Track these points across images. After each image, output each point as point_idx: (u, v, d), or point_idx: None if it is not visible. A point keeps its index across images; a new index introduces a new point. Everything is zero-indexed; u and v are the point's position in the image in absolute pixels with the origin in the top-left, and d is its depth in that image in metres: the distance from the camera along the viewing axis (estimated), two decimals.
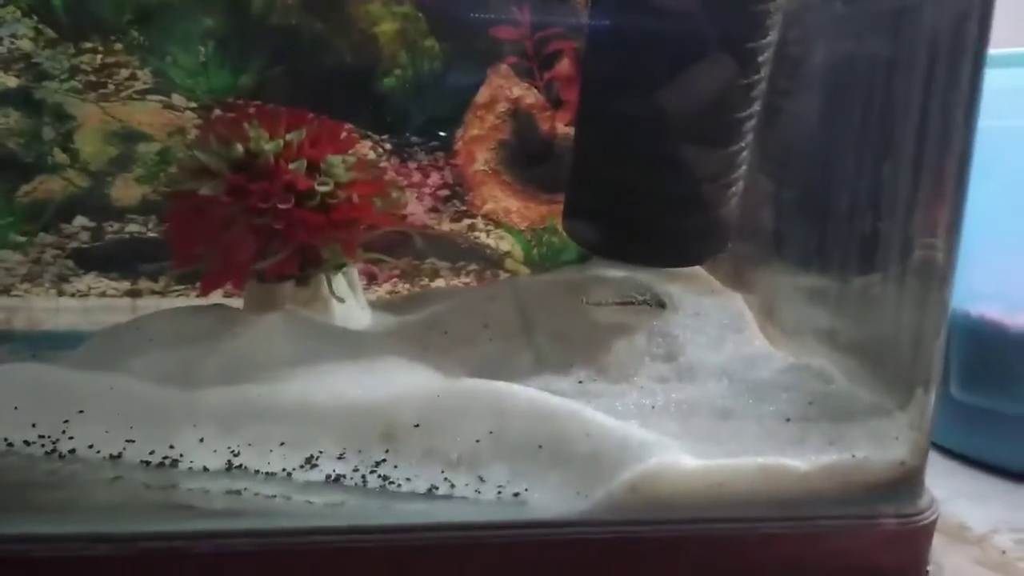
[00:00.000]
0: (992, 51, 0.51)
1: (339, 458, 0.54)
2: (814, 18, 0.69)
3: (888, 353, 0.56)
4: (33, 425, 0.54)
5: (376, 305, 0.81)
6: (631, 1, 0.73)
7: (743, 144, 0.73)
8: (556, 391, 0.62)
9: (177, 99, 0.80)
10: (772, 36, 0.69)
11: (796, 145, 0.72)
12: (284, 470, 0.53)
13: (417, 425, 0.55)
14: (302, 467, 0.53)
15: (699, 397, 0.61)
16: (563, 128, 0.86)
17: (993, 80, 0.51)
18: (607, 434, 0.52)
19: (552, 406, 0.54)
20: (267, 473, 0.53)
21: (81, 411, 0.55)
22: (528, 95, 0.85)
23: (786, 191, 0.73)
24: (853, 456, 0.51)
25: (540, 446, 0.52)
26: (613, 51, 0.75)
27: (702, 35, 0.71)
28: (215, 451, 0.54)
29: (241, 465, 0.54)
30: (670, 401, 0.61)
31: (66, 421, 0.54)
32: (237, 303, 0.72)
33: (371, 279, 0.85)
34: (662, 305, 0.69)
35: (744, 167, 0.75)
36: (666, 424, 0.57)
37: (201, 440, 0.55)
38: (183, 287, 0.81)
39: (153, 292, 0.82)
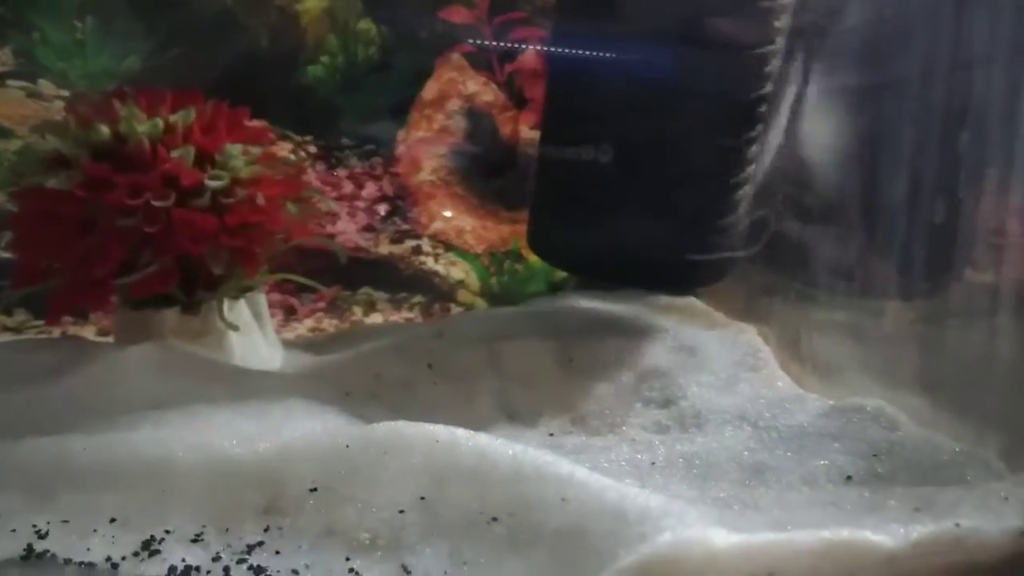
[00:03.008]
0: None
1: (194, 540, 0.37)
2: None
3: (984, 391, 0.41)
4: None
5: (294, 344, 0.64)
6: None
7: (753, 135, 0.59)
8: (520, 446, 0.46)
9: (45, 86, 0.64)
10: None
11: (829, 123, 0.57)
12: (108, 559, 0.36)
13: (314, 489, 0.37)
14: (136, 554, 0.36)
15: (716, 450, 0.44)
16: (528, 131, 0.71)
17: None
18: (594, 499, 0.35)
19: (513, 459, 0.37)
20: (82, 564, 0.35)
21: None
22: (486, 91, 0.70)
23: (814, 195, 0.59)
24: (956, 526, 0.34)
25: (494, 518, 0.36)
26: (587, 33, 0.61)
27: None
28: (13, 530, 0.37)
29: (47, 552, 0.36)
30: (675, 455, 0.44)
31: None
32: None
33: (289, 313, 0.68)
34: None
35: (754, 167, 0.60)
36: (675, 486, 0.41)
37: None
38: (43, 323, 0.63)
39: (6, 328, 0.64)
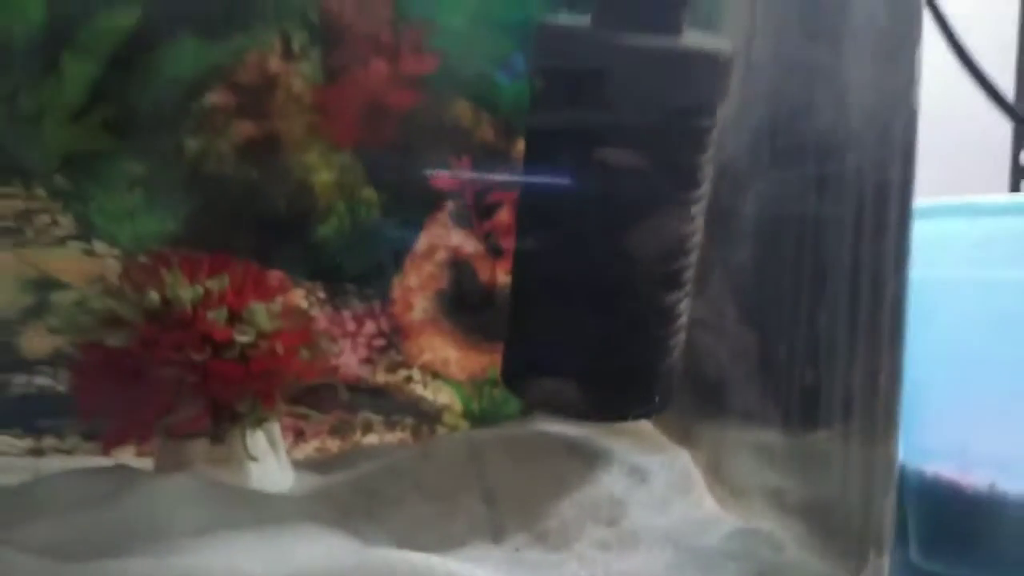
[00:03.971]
0: (921, 202, 0.50)
1: None
2: (747, 174, 0.69)
3: (839, 516, 0.52)
4: None
5: (302, 464, 0.76)
6: (565, 149, 0.72)
7: (684, 292, 0.71)
8: (489, 561, 0.57)
9: (99, 246, 0.77)
10: (706, 187, 0.69)
11: (730, 295, 0.70)
12: None
13: None
14: None
15: (642, 568, 0.55)
16: (503, 277, 0.83)
17: (924, 231, 0.50)
18: None
19: None
20: None
21: None
22: (467, 243, 0.83)
23: (725, 343, 0.71)
24: None
25: None
26: (546, 200, 0.74)
27: (639, 184, 0.71)
28: None
29: None
30: (611, 573, 0.55)
31: None
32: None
33: (298, 435, 0.80)
34: None
35: (685, 316, 0.73)
36: None
37: None
38: (91, 446, 0.74)
39: (59, 451, 0.75)
